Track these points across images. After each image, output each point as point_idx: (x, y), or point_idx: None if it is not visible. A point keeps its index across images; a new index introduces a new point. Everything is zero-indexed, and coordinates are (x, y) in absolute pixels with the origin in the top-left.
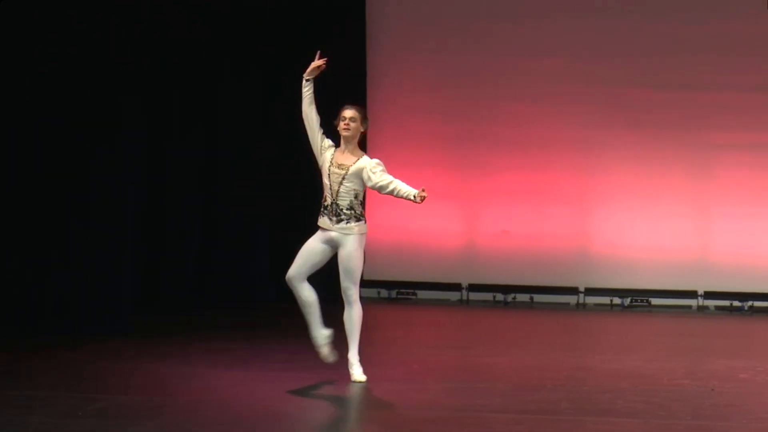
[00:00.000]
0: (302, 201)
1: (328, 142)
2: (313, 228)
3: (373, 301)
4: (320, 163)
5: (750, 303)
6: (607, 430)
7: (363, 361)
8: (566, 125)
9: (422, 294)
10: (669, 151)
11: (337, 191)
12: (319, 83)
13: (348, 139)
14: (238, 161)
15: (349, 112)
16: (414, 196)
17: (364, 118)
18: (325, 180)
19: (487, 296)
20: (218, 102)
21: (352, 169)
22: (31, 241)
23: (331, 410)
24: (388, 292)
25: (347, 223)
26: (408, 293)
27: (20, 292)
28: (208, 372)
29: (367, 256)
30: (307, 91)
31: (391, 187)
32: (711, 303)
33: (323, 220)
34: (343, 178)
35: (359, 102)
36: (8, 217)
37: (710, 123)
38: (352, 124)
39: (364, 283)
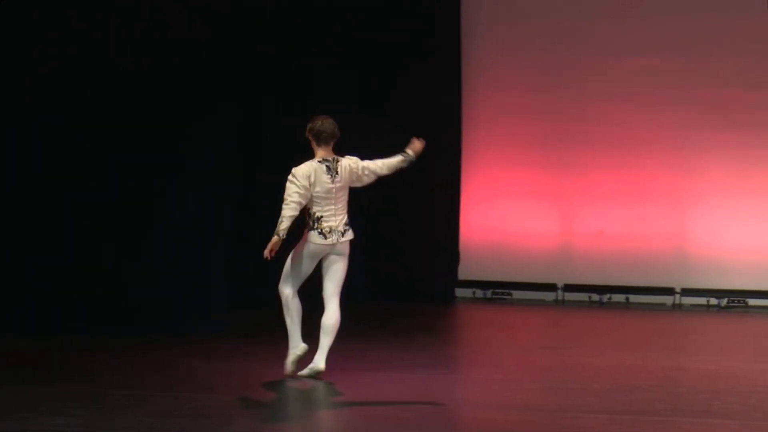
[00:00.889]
0: (404, 204)
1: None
2: (413, 230)
3: (468, 301)
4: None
5: None
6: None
7: (460, 362)
8: (661, 125)
9: (517, 294)
10: (765, 149)
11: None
12: (415, 84)
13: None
14: None
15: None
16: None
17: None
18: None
19: (583, 296)
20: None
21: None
22: (126, 241)
23: (426, 411)
24: (483, 292)
25: None
26: (503, 293)
27: (117, 293)
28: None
29: (462, 256)
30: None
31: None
32: None
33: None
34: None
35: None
36: (103, 220)
37: None
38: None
39: (459, 283)
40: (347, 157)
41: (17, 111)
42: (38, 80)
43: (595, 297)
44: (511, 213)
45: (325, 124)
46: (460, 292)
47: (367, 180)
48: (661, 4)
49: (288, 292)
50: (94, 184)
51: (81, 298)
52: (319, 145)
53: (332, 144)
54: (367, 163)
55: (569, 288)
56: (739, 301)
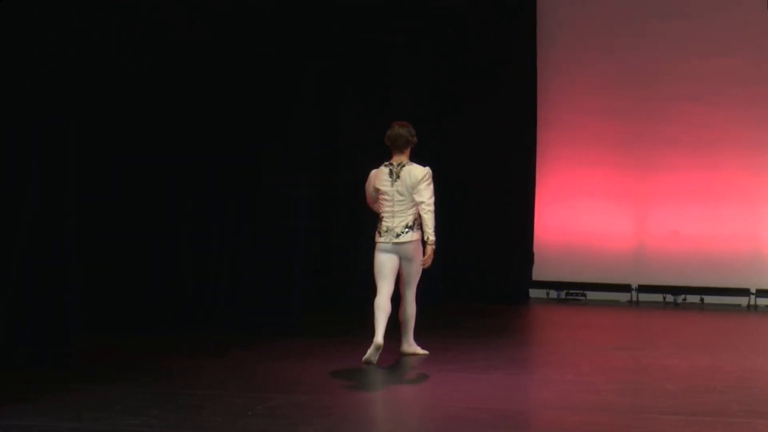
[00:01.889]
0: (479, 204)
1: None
2: (488, 231)
3: (542, 301)
4: None
5: None
6: None
7: (533, 362)
8: (738, 125)
9: (591, 295)
10: None
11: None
12: (491, 85)
13: None
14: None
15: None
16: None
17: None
18: None
19: (657, 297)
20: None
21: None
22: (203, 241)
23: (500, 410)
24: (557, 293)
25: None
26: (577, 294)
27: (193, 293)
28: (378, 373)
29: (536, 256)
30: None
31: None
32: None
33: None
34: None
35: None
36: (179, 221)
37: None
38: None
39: (533, 284)
40: (418, 166)
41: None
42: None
43: (670, 298)
44: (585, 213)
45: (396, 130)
46: (534, 292)
47: (416, 198)
48: (739, 3)
49: (378, 290)
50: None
51: (159, 299)
52: (392, 150)
53: (406, 150)
54: (423, 189)
55: (643, 289)
56: None
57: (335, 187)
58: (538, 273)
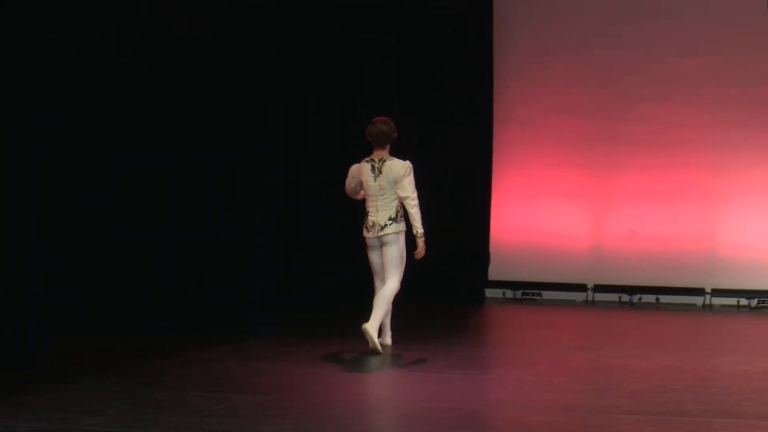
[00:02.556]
0: (435, 204)
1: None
2: (444, 230)
3: (499, 301)
4: None
5: None
6: None
7: (491, 362)
8: (697, 125)
9: (547, 294)
10: None
11: None
12: (445, 83)
13: None
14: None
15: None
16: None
17: None
18: None
19: (613, 297)
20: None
21: None
22: (164, 244)
23: (458, 410)
24: (514, 293)
25: None
26: (533, 294)
27: (155, 295)
28: (337, 371)
29: (492, 256)
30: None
31: None
32: None
33: None
34: None
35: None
36: (141, 222)
37: None
38: None
39: (489, 284)
40: (398, 161)
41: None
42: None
43: (625, 297)
44: (542, 213)
45: (377, 127)
46: (490, 292)
47: (399, 193)
48: (700, 4)
49: (375, 286)
50: (228, 187)
51: (120, 300)
52: (374, 146)
53: (387, 145)
54: (406, 184)
55: (599, 288)
56: None
57: (300, 190)
58: (495, 273)
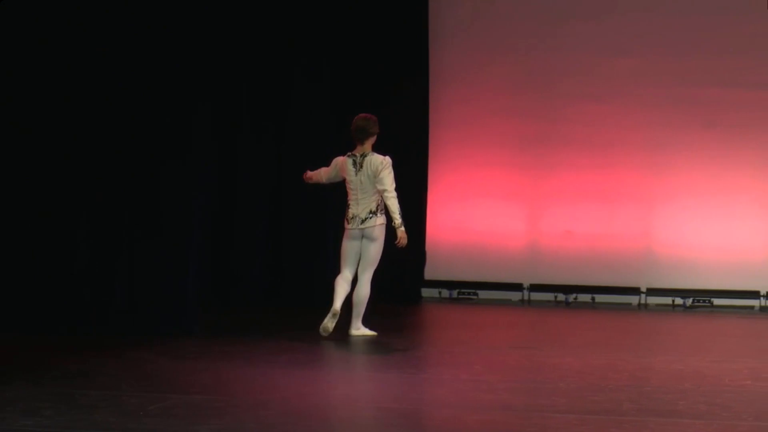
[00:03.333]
0: None
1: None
2: (389, 229)
3: (435, 301)
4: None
5: None
6: (670, 431)
7: (427, 362)
8: (635, 125)
9: (483, 294)
10: (738, 150)
11: None
12: (380, 86)
13: None
14: (306, 161)
15: None
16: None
17: None
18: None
19: (549, 296)
20: (290, 99)
21: None
22: (98, 240)
23: (395, 410)
24: (450, 292)
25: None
26: (469, 293)
27: (89, 293)
28: (273, 371)
29: (428, 256)
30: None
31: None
32: None
33: None
34: None
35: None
36: (75, 218)
37: None
38: None
39: (426, 283)
40: (378, 156)
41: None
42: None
43: (561, 297)
44: (479, 212)
45: (357, 123)
46: (426, 292)
47: (378, 187)
48: (635, 4)
49: (341, 271)
50: (162, 183)
51: (57, 300)
52: (354, 141)
53: (367, 141)
54: (384, 177)
55: (535, 288)
56: (704, 301)
57: (235, 188)
58: (431, 272)
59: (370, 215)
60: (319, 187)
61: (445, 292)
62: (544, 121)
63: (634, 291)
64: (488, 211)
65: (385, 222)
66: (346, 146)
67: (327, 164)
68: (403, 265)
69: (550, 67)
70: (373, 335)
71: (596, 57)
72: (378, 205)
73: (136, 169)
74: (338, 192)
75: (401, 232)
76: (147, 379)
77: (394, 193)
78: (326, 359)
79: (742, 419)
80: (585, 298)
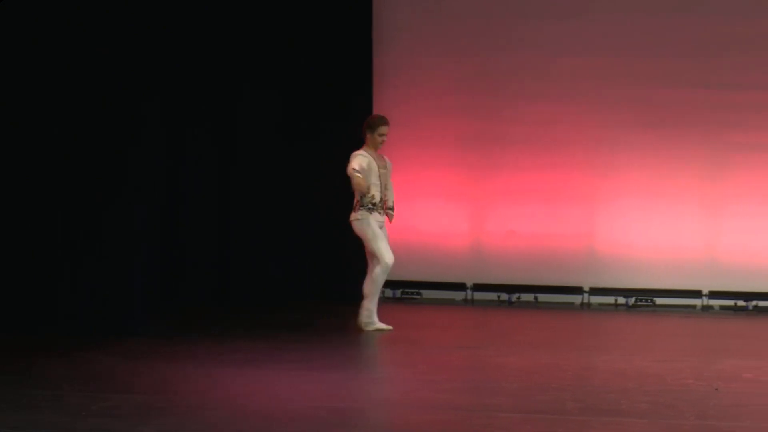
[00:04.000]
0: (317, 202)
1: (365, 154)
2: (333, 228)
3: (378, 300)
4: (367, 171)
5: (755, 303)
6: (613, 430)
7: (371, 361)
8: (579, 124)
9: (427, 293)
10: (681, 150)
11: (385, 186)
12: (324, 82)
13: (379, 147)
14: (255, 160)
15: (387, 129)
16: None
17: None
18: (375, 180)
19: (492, 296)
20: (239, 99)
21: (388, 168)
22: (45, 240)
23: (339, 409)
24: (393, 292)
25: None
26: (412, 293)
27: (34, 292)
28: (218, 371)
29: None
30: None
31: (391, 191)
32: (716, 303)
33: (376, 215)
34: (387, 178)
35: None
36: (22, 218)
37: (724, 122)
38: (385, 138)
39: None
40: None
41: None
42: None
43: (504, 296)
44: (421, 213)
45: None
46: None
47: None
48: (578, 5)
49: (391, 261)
50: (109, 183)
51: (1, 299)
52: None
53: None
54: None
55: (478, 287)
56: (646, 300)
57: (182, 186)
58: None
59: (352, 211)
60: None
61: (389, 292)
62: (488, 121)
63: (577, 290)
64: (432, 211)
65: (360, 218)
66: (299, 146)
67: (277, 166)
68: (348, 265)
69: (494, 67)
70: (387, 328)
71: (540, 57)
72: (356, 202)
73: (81, 169)
74: (286, 193)
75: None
76: (91, 379)
77: (354, 175)
78: (270, 359)
79: (685, 418)
80: (528, 297)
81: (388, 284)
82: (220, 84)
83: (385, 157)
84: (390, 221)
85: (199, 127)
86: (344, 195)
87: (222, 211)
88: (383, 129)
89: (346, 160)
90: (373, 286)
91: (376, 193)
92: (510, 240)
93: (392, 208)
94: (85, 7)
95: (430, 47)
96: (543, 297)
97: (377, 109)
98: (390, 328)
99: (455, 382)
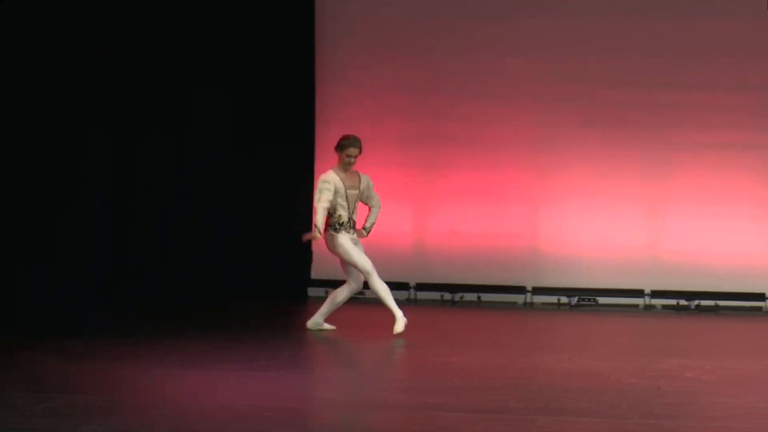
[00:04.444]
0: (259, 203)
1: (329, 180)
2: (277, 229)
3: (321, 300)
4: (333, 192)
5: (697, 302)
6: (556, 429)
7: (315, 361)
8: (521, 125)
9: (370, 293)
10: (623, 150)
11: (354, 208)
12: (266, 86)
13: (349, 168)
14: (203, 163)
15: (356, 151)
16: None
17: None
18: (342, 202)
19: (435, 295)
20: (190, 102)
21: (361, 188)
22: None
23: (283, 409)
24: None
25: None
26: (357, 293)
27: None
28: (161, 372)
29: (316, 256)
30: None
31: (374, 207)
32: (658, 302)
33: (344, 235)
34: (357, 197)
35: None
36: None
37: (665, 122)
38: (355, 160)
39: (312, 283)
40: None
41: None
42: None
43: (447, 296)
44: (364, 212)
45: None
46: (312, 291)
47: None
48: (521, 6)
49: (372, 270)
50: (57, 184)
51: None
52: None
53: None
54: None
55: (421, 287)
56: (589, 300)
57: (128, 191)
58: (317, 272)
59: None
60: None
61: (332, 291)
62: (431, 121)
63: (520, 290)
64: None
65: (332, 234)
66: (245, 147)
67: (222, 167)
68: (290, 265)
69: (436, 67)
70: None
71: (482, 58)
72: (329, 220)
73: (32, 172)
74: (230, 193)
75: (314, 231)
76: (35, 379)
77: (319, 202)
78: (214, 359)
79: (628, 417)
80: (471, 297)
81: (331, 284)
82: (168, 87)
83: (360, 174)
84: (365, 236)
85: (149, 128)
86: (288, 196)
87: (166, 213)
88: (351, 151)
89: (292, 161)
90: (378, 293)
91: (342, 213)
92: (453, 239)
93: (369, 226)
94: (27, 11)
95: (373, 48)
96: (486, 296)
97: (320, 109)
98: (333, 327)
99: (399, 382)
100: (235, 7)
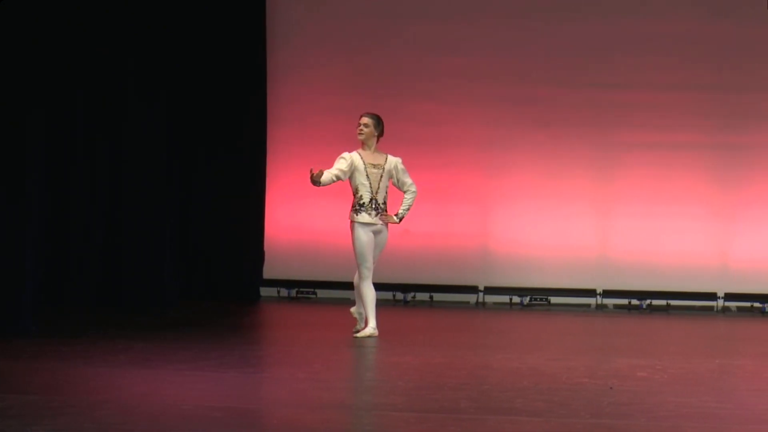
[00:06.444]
0: (209, 203)
1: (347, 155)
2: (218, 229)
3: (273, 300)
4: (351, 170)
5: (648, 301)
6: (508, 429)
7: (266, 361)
8: (471, 124)
9: (322, 293)
10: (573, 150)
11: (377, 188)
12: (218, 80)
13: (365, 141)
14: (144, 161)
15: (363, 119)
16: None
17: (377, 124)
18: (364, 180)
19: (387, 295)
20: (126, 103)
21: (386, 168)
22: None
23: (232, 409)
24: (288, 291)
25: (385, 212)
26: (308, 292)
27: None
28: (110, 371)
29: (267, 255)
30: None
31: (408, 192)
32: (610, 302)
33: (364, 216)
34: (381, 177)
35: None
36: None
37: (614, 122)
38: (366, 129)
39: (264, 282)
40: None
41: None
42: None
43: (399, 295)
44: (316, 212)
45: None
46: (264, 291)
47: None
48: (469, 5)
49: (369, 275)
50: None
51: None
52: None
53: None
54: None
55: (374, 286)
56: (541, 299)
57: (68, 190)
58: (270, 271)
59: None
60: None
61: (284, 291)
62: (385, 120)
63: (472, 289)
64: (326, 211)
65: (350, 219)
66: (191, 146)
67: (168, 166)
68: (242, 264)
69: (386, 65)
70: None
71: (432, 56)
72: (353, 204)
73: None
74: (177, 193)
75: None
76: None
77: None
78: (163, 359)
79: (579, 417)
80: (423, 296)
81: (283, 284)
82: (109, 86)
83: (389, 156)
84: (397, 222)
85: (89, 128)
86: (241, 194)
87: (112, 212)
88: (361, 119)
89: (244, 159)
90: (365, 298)
91: (365, 193)
92: (405, 239)
93: (402, 212)
94: None
95: (322, 46)
96: (438, 296)
97: (270, 108)
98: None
99: (349, 382)
100: (185, 4)
